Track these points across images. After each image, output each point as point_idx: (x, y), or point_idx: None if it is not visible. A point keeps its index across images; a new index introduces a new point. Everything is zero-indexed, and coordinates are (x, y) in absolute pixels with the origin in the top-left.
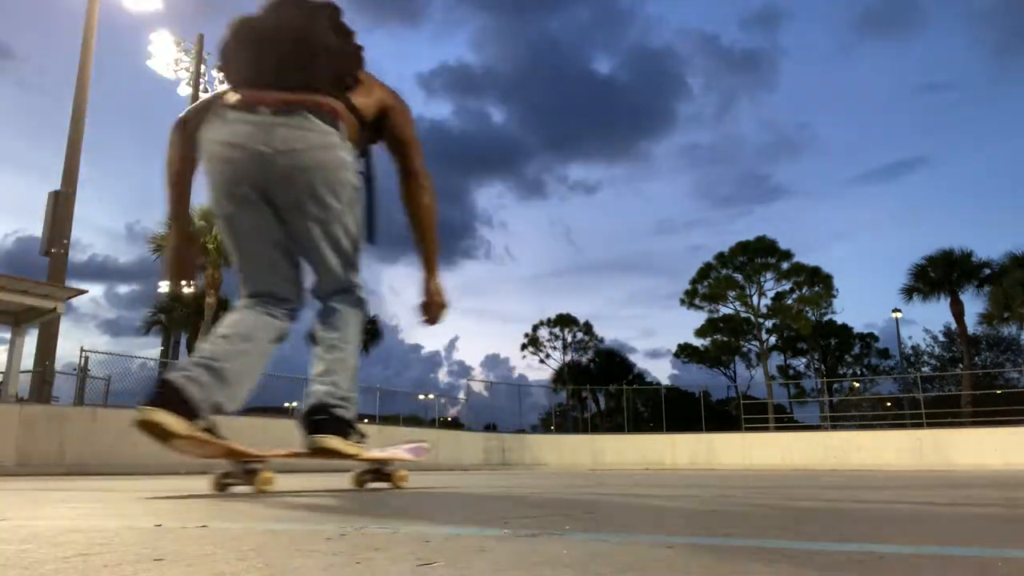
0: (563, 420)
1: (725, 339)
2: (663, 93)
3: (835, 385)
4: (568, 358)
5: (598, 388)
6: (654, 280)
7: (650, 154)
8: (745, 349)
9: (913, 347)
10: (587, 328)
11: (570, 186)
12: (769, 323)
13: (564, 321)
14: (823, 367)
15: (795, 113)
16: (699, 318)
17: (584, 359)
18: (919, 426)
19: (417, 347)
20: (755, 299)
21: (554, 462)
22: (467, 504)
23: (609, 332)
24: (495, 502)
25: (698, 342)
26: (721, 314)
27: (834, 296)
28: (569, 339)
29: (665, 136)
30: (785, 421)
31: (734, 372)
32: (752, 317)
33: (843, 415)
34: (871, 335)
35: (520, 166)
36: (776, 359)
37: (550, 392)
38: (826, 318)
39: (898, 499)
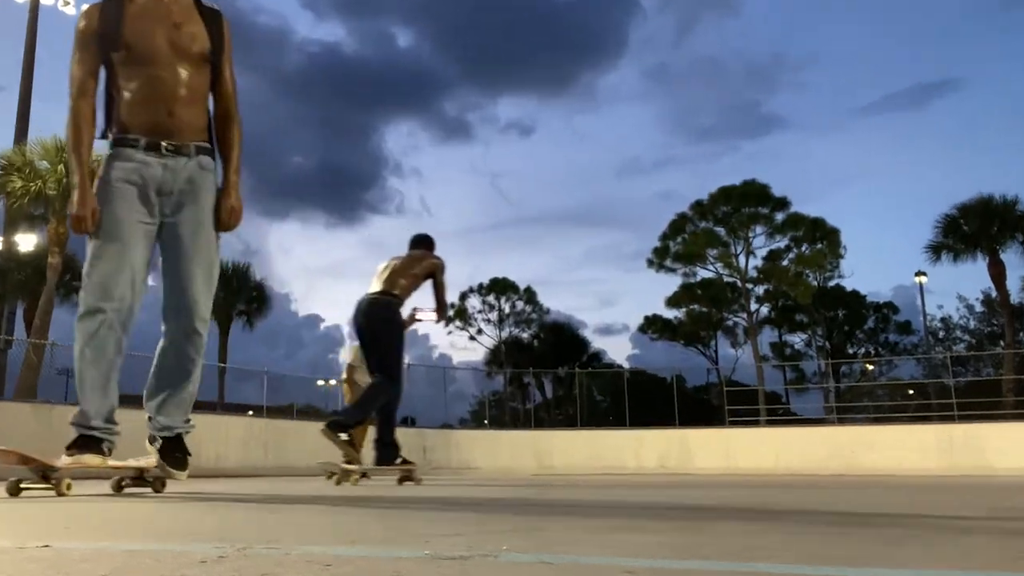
0: (499, 412)
1: (704, 310)
2: (612, 10)
3: (843, 368)
4: (505, 334)
5: (543, 372)
6: (614, 236)
7: (601, 84)
8: (730, 323)
9: (942, 319)
10: (529, 296)
11: (502, 128)
12: (760, 289)
13: (500, 287)
14: (828, 345)
15: (788, 26)
16: (671, 283)
17: (526, 335)
18: (949, 419)
19: (313, 319)
20: (742, 259)
21: (488, 465)
22: (381, 518)
23: (557, 301)
24: (415, 515)
25: (670, 313)
26: (699, 278)
27: (841, 256)
28: (506, 310)
29: (617, 64)
30: (780, 413)
31: (715, 352)
32: (738, 282)
33: (853, 406)
34: (888, 305)
35: (435, 101)
36: (769, 335)
37: (482, 377)
38: (832, 283)
39: (929, 512)
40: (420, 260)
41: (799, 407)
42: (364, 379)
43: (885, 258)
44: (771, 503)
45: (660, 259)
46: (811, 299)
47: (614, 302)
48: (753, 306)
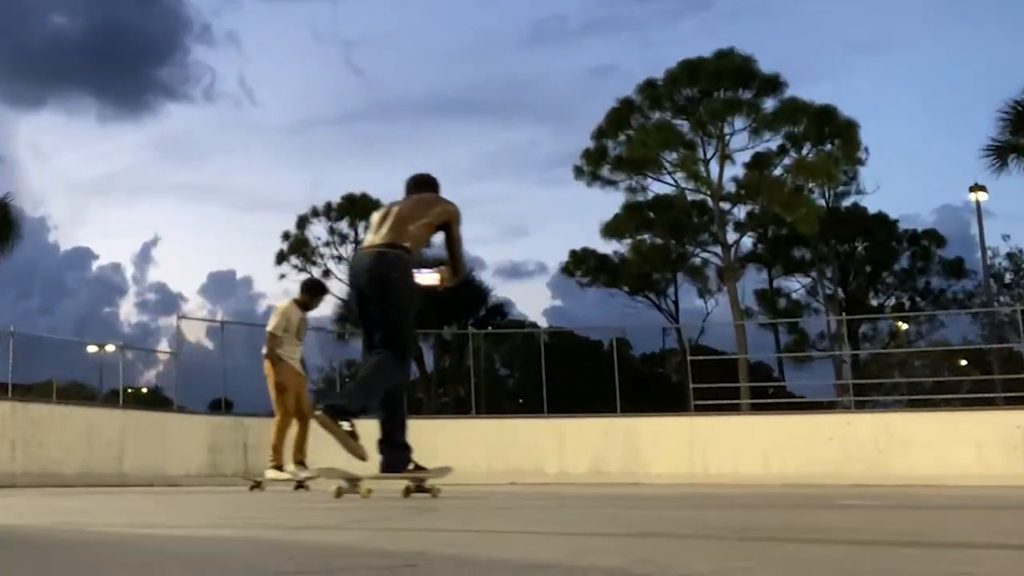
0: None
1: (658, 242)
2: None
3: (863, 328)
4: None
5: (422, 333)
6: (523, 133)
7: None
8: (696, 260)
9: (1010, 256)
10: None
11: None
12: (741, 212)
13: (357, 209)
14: (841, 295)
15: None
16: (609, 203)
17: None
18: (1021, 402)
19: (82, 256)
20: (714, 167)
21: (337, 465)
22: (200, 557)
23: None
24: (246, 550)
25: (607, 247)
26: (651, 195)
27: (861, 162)
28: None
29: None
30: (771, 395)
31: (675, 304)
32: (709, 201)
33: (879, 383)
34: (930, 234)
35: None
36: (754, 279)
37: (330, 341)
38: (847, 203)
39: None
40: (431, 205)
41: (799, 385)
42: (293, 357)
43: (924, 166)
44: (757, 532)
45: (593, 167)
46: (817, 226)
47: (525, 231)
48: (731, 236)
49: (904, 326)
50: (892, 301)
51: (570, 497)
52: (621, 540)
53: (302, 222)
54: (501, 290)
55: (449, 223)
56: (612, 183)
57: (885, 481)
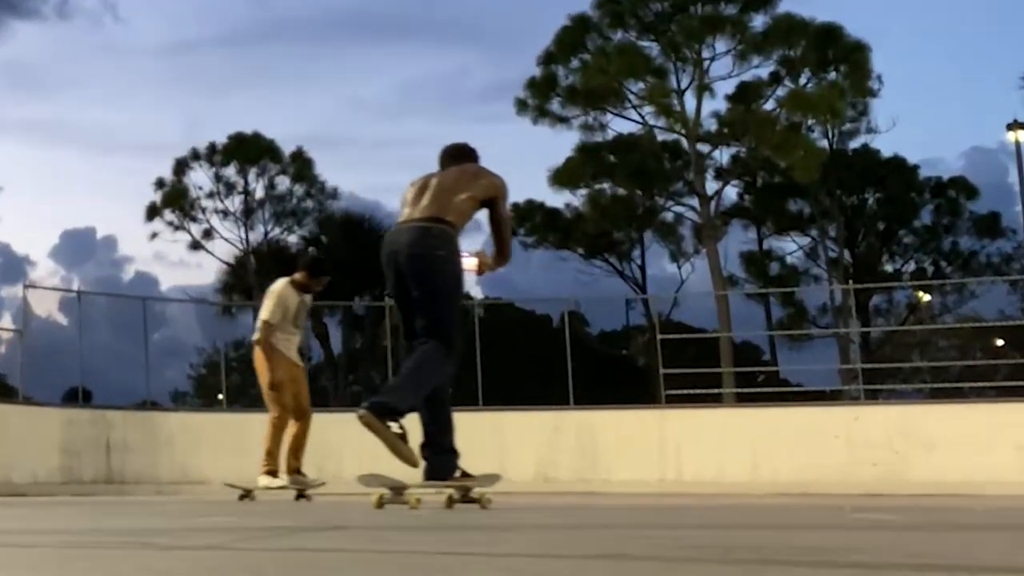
0: (247, 379)
1: (621, 192)
2: None
3: (876, 300)
4: (257, 237)
5: (328, 306)
6: (451, 58)
7: None
8: (668, 216)
9: None
10: (300, 168)
11: None
12: (723, 156)
13: (247, 151)
14: (848, 258)
15: None
16: (560, 145)
17: (294, 239)
18: None
19: None
20: (690, 101)
21: (228, 473)
22: None
23: (351, 177)
24: None
25: (558, 199)
26: (612, 135)
27: (872, 93)
28: (258, 192)
29: None
30: (761, 383)
31: (641, 270)
32: (684, 142)
33: (895, 368)
34: (958, 183)
35: None
36: (739, 239)
37: (213, 316)
38: (856, 144)
39: None
40: (476, 176)
41: (796, 371)
42: (290, 346)
43: (951, 99)
44: (743, 553)
45: (540, 100)
46: (817, 173)
47: None
48: (711, 186)
49: (926, 297)
50: (911, 266)
51: (510, 510)
52: (574, 566)
53: (179, 168)
54: None
55: (495, 199)
56: (563, 120)
57: (903, 490)
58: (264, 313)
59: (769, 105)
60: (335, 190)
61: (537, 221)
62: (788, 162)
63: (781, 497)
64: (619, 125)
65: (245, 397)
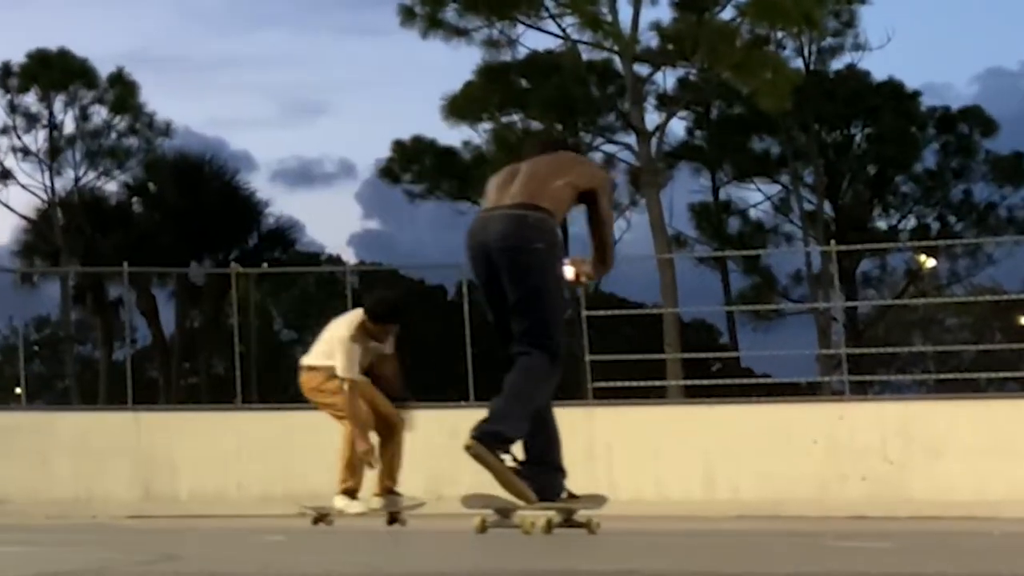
0: (54, 369)
1: (536, 127)
2: None
3: (865, 265)
4: (65, 184)
5: (159, 273)
6: None
7: None
8: (594, 157)
9: None
10: (121, 94)
11: None
12: (669, 80)
13: (49, 73)
14: (829, 210)
15: None
16: (458, 64)
17: (114, 186)
18: None
19: None
20: (626, 8)
21: (31, 494)
22: None
23: (190, 107)
24: None
25: (453, 136)
26: (524, 53)
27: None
28: (68, 125)
29: None
30: (719, 371)
31: (561, 225)
32: (618, 62)
33: (889, 351)
34: (969, 113)
35: None
36: (689, 187)
37: (13, 286)
38: (837, 66)
39: None
40: (574, 163)
41: (762, 357)
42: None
43: (960, 9)
44: None
45: (431, 6)
46: (790, 102)
47: (319, 110)
48: (652, 118)
49: (930, 262)
50: (911, 222)
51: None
52: None
53: None
54: (282, 204)
55: (596, 191)
56: (462, 33)
57: (899, 510)
58: (341, 370)
59: (727, 14)
60: (166, 125)
61: (427, 164)
62: (751, 87)
63: (742, 521)
64: (533, 40)
65: (49, 392)
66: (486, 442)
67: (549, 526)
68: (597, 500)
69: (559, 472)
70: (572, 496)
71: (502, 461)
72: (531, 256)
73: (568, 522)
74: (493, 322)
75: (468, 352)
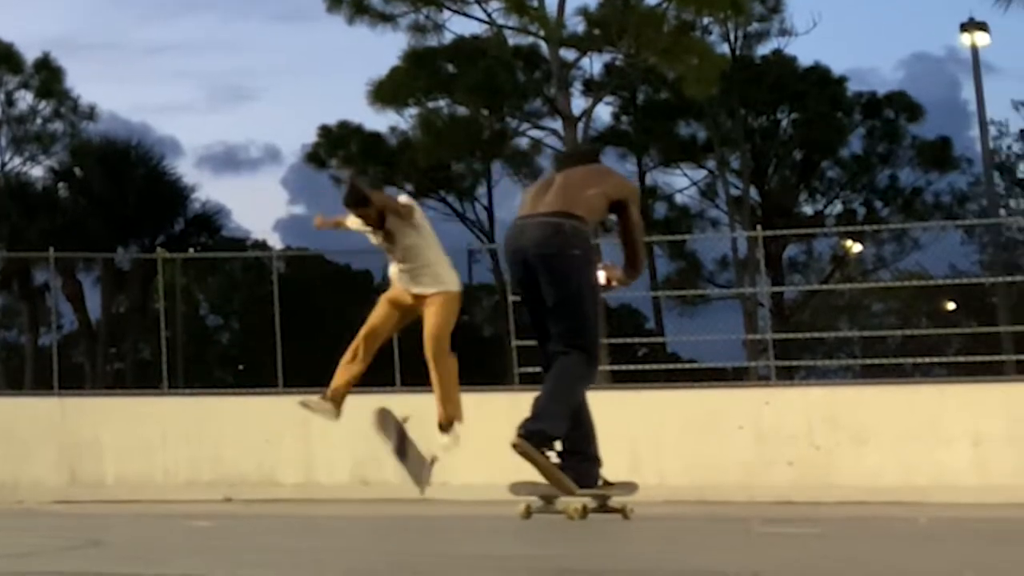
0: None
1: (462, 112)
2: None
3: (791, 251)
4: None
5: (83, 260)
6: None
7: None
8: (522, 143)
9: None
10: (46, 79)
11: None
12: (595, 65)
13: None
14: (755, 195)
15: None
16: (384, 49)
17: (39, 172)
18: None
19: None
20: None
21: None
22: None
23: (115, 93)
24: None
25: (379, 121)
26: (450, 38)
27: None
28: None
29: None
30: (644, 356)
31: (488, 211)
32: (544, 47)
33: (816, 336)
34: (896, 99)
35: None
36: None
37: None
38: (763, 51)
39: None
40: (605, 175)
41: (687, 343)
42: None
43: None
44: None
45: None
46: (716, 88)
47: (246, 96)
48: (578, 104)
49: (856, 247)
50: (837, 208)
51: (320, 521)
52: None
53: None
54: (209, 189)
55: (626, 201)
56: (388, 18)
57: (826, 495)
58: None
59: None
60: (92, 109)
61: (353, 150)
62: (678, 73)
63: (669, 506)
64: (459, 25)
65: None
66: (533, 442)
67: (585, 511)
68: (629, 487)
69: (596, 462)
70: (608, 484)
71: (548, 458)
72: (568, 262)
73: (603, 508)
74: (530, 322)
75: (395, 343)
